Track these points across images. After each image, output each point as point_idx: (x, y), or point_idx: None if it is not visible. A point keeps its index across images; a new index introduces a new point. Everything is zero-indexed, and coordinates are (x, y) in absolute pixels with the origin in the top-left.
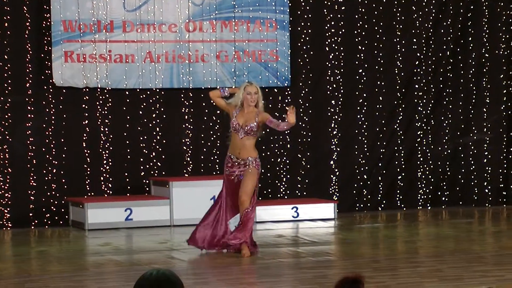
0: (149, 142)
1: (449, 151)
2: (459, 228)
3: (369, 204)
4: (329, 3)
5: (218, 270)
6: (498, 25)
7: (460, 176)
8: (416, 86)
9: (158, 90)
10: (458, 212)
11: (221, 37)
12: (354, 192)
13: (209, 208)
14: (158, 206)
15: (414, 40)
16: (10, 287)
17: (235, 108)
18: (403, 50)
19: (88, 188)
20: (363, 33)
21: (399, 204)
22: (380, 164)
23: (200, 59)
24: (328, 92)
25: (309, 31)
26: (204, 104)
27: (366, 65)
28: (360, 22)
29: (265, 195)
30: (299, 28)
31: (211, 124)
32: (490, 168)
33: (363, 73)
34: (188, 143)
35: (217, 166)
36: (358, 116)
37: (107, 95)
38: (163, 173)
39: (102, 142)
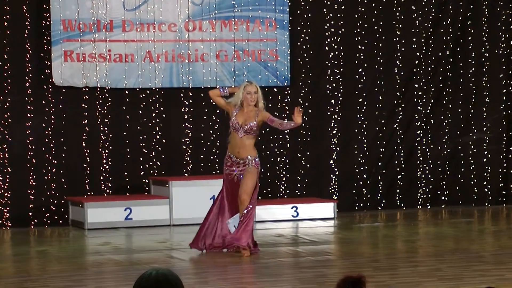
0: (149, 141)
1: (448, 150)
2: (458, 227)
3: (368, 204)
4: (328, 3)
5: (218, 269)
6: (498, 25)
7: (459, 176)
8: (416, 85)
9: (157, 89)
10: (457, 211)
11: (221, 36)
12: (354, 191)
13: (209, 209)
14: (158, 206)
15: (414, 39)
16: (10, 287)
17: (234, 107)
18: (403, 49)
19: (87, 188)
20: (363, 32)
21: (398, 203)
22: (379, 164)
23: (200, 59)
24: (328, 92)
25: (309, 30)
26: (203, 103)
27: (365, 65)
28: (360, 22)
29: (265, 195)
30: (298, 28)
31: (210, 123)
32: (489, 168)
33: (363, 73)
34: (187, 142)
35: (216, 165)
36: (358, 116)
37: (107, 95)
38: (163, 172)
39: (101, 141)
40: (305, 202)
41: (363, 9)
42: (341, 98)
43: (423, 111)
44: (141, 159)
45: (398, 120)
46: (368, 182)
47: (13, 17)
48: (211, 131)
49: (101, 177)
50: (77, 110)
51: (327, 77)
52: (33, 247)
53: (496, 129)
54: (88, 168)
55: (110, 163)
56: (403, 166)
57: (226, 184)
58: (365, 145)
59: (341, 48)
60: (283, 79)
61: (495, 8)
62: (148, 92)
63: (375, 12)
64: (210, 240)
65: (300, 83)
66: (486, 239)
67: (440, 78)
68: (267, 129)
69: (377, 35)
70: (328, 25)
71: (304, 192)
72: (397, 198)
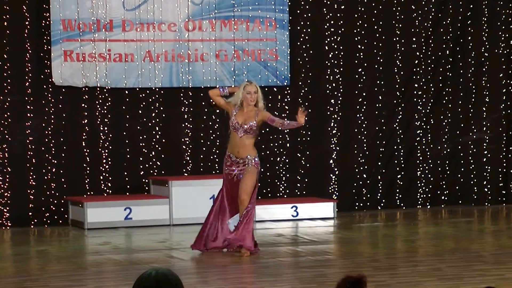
0: (149, 141)
1: (448, 150)
2: (458, 227)
3: (368, 203)
4: (328, 2)
5: (218, 269)
6: (498, 24)
7: (459, 175)
8: (416, 85)
9: (157, 89)
10: (457, 211)
11: (221, 36)
12: (354, 191)
13: (210, 209)
14: (158, 205)
15: (414, 39)
16: (10, 286)
17: (234, 107)
18: (403, 49)
19: (87, 187)
20: (363, 32)
21: (398, 203)
22: (379, 163)
23: (200, 58)
24: (328, 91)
25: (309, 30)
26: (203, 103)
27: (365, 64)
28: (360, 21)
29: (265, 194)
30: (298, 27)
31: (210, 123)
32: (489, 167)
33: (363, 72)
34: (187, 142)
35: (216, 165)
36: (358, 115)
37: (107, 94)
38: (163, 172)
39: (101, 141)
40: (305, 202)
41: (363, 9)
42: (341, 98)
43: (423, 111)
44: (141, 158)
45: (398, 120)
46: (368, 181)
47: (13, 17)
48: (210, 131)
49: (101, 177)
50: (77, 110)
51: (327, 77)
52: (33, 246)
53: (495, 129)
54: (88, 168)
55: (110, 163)
56: (403, 165)
57: (226, 184)
58: (365, 145)
59: (341, 47)
60: (283, 79)
61: (495, 7)
62: (148, 91)
63: (375, 11)
64: (211, 241)
65: (300, 83)
66: (485, 238)
67: (440, 77)
68: (267, 129)
69: (377, 35)
70: (328, 24)
71: (304, 192)
72: (397, 197)
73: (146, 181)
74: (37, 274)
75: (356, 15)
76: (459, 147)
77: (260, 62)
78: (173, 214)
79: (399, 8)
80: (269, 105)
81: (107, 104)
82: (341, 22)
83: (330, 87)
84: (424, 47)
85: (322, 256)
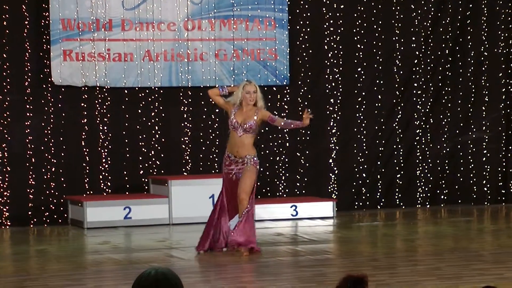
0: (148, 140)
1: (448, 149)
2: (458, 226)
3: (368, 203)
4: (328, 2)
5: (218, 268)
6: (497, 24)
7: (459, 175)
8: (415, 84)
9: (157, 88)
10: (457, 210)
11: (220, 35)
12: (353, 190)
13: (212, 210)
14: (157, 205)
15: (413, 38)
16: (9, 286)
17: (233, 106)
18: (402, 48)
19: (87, 187)
20: (362, 31)
21: (398, 202)
22: (379, 163)
23: (199, 58)
24: (327, 91)
25: (308, 29)
26: (203, 102)
27: (365, 64)
28: (359, 21)
29: (264, 194)
30: (298, 27)
31: (210, 122)
32: (489, 167)
33: (362, 72)
34: (187, 141)
35: (216, 164)
36: (357, 115)
37: (106, 94)
38: (162, 171)
39: (101, 140)
40: (305, 201)
41: (362, 8)
42: (340, 97)
43: (423, 110)
44: (140, 158)
45: (397, 119)
46: (368, 181)
47: (12, 16)
48: (210, 130)
49: (101, 176)
50: (76, 109)
51: (326, 76)
52: (33, 246)
53: (495, 128)
54: (88, 167)
55: (109, 162)
56: (402, 165)
57: (225, 184)
58: (364, 144)
59: (340, 47)
60: (282, 78)
61: (494, 7)
62: (147, 91)
63: (374, 11)
64: (214, 241)
65: (299, 82)
66: (485, 238)
67: (440, 77)
68: (267, 128)
69: (376, 34)
70: (327, 24)
71: (303, 191)
72: (396, 197)
73: (146, 180)
74: (37, 274)
75: (355, 15)
76: (459, 146)
77: (259, 62)
78: (172, 213)
79: (398, 8)
80: (269, 104)
81: (107, 103)
82: (341, 21)
83: (329, 86)
84: (423, 47)
85: (322, 256)
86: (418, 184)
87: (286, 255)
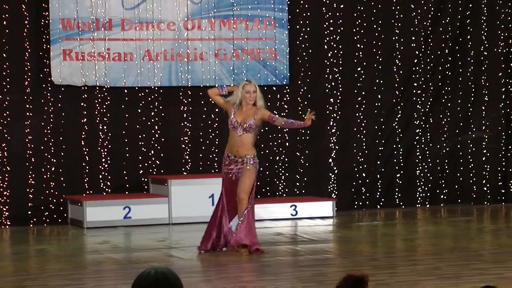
0: (148, 140)
1: (447, 149)
2: (457, 226)
3: (367, 202)
4: (327, 1)
5: (218, 268)
6: (497, 23)
7: (458, 174)
8: (415, 84)
9: (156, 88)
10: (456, 210)
11: (220, 35)
12: (353, 190)
13: (213, 211)
14: (157, 204)
15: (413, 38)
16: (9, 285)
17: (233, 106)
18: (402, 48)
19: (86, 186)
20: (362, 31)
21: (397, 202)
22: (378, 162)
23: (199, 57)
24: (327, 90)
25: (308, 29)
26: (202, 102)
27: (364, 64)
28: (359, 20)
29: (264, 193)
30: (297, 26)
31: (209, 122)
32: (488, 166)
33: (362, 72)
34: (186, 141)
35: (215, 164)
36: (357, 114)
37: (106, 93)
38: (162, 171)
39: (100, 140)
40: (304, 201)
41: (362, 8)
42: (340, 97)
43: (422, 110)
44: (140, 157)
45: (397, 119)
46: (367, 180)
47: (12, 16)
48: (210, 130)
49: (100, 176)
50: (76, 109)
51: (326, 76)
52: (32, 245)
53: (495, 128)
54: (87, 167)
55: (109, 161)
56: (402, 164)
57: (225, 185)
58: (364, 144)
59: (340, 47)
60: (282, 78)
61: (494, 7)
62: (147, 90)
63: (374, 11)
64: (216, 241)
65: (299, 82)
66: (485, 237)
67: (439, 77)
68: (266, 128)
69: (376, 34)
70: (327, 23)
71: (303, 191)
72: (396, 196)
73: (145, 180)
74: (36, 273)
75: (355, 14)
76: (458, 146)
77: (259, 61)
78: (172, 213)
79: (398, 7)
80: (269, 104)
81: (106, 103)
82: (340, 21)
83: (329, 86)
84: (423, 46)
85: (321, 255)
86: (418, 183)
87: (286, 254)
